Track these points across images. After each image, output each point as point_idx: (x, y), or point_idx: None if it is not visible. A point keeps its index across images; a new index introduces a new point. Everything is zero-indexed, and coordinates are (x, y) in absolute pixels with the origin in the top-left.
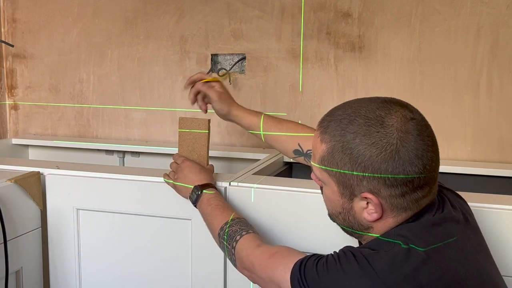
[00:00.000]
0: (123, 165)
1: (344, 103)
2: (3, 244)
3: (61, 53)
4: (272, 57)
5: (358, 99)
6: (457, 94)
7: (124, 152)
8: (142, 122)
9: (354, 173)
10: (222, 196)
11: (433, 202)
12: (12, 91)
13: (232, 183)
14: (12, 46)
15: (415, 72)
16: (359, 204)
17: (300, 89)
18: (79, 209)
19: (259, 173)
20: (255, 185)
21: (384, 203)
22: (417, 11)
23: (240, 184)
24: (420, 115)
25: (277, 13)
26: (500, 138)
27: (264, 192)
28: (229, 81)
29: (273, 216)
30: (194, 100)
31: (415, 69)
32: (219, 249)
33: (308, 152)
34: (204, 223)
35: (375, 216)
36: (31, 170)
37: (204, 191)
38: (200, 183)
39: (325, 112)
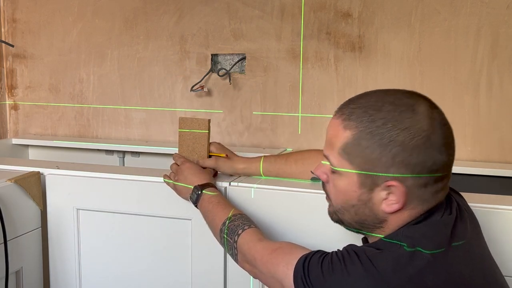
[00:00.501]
0: (123, 165)
1: (361, 94)
2: (3, 244)
3: (61, 53)
4: (272, 57)
5: (374, 90)
6: (457, 94)
7: (124, 152)
8: (142, 122)
9: (383, 160)
10: (223, 195)
11: (441, 202)
12: (12, 91)
13: (232, 183)
14: (12, 46)
15: (415, 72)
16: (379, 194)
17: (300, 89)
18: (79, 209)
19: None
20: (255, 185)
21: (407, 192)
22: (417, 11)
23: (240, 184)
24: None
25: (277, 13)
26: (500, 138)
27: (264, 192)
28: (229, 81)
29: (273, 216)
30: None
31: (415, 69)
32: (219, 249)
33: None
34: (205, 223)
35: (395, 207)
36: (31, 170)
37: (203, 191)
38: (200, 183)
39: (325, 112)
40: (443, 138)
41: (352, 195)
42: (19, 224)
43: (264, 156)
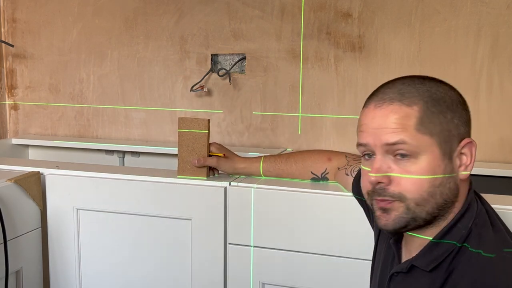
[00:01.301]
0: (123, 165)
1: (390, 81)
2: (3, 244)
3: (61, 53)
4: (272, 57)
5: (394, 79)
6: None
7: (124, 152)
8: (142, 122)
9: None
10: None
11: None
12: (12, 91)
13: (232, 183)
14: (12, 46)
15: (415, 72)
16: (456, 162)
17: (300, 89)
18: (79, 209)
19: None
20: (255, 185)
21: None
22: (417, 11)
23: (240, 184)
24: None
25: (277, 13)
26: (500, 138)
27: (264, 192)
28: (229, 81)
29: (273, 216)
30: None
31: (415, 69)
32: (219, 248)
33: (323, 174)
34: (204, 223)
35: (470, 167)
36: (31, 170)
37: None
38: None
39: (325, 112)
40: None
41: (437, 171)
42: (19, 224)
43: (264, 156)
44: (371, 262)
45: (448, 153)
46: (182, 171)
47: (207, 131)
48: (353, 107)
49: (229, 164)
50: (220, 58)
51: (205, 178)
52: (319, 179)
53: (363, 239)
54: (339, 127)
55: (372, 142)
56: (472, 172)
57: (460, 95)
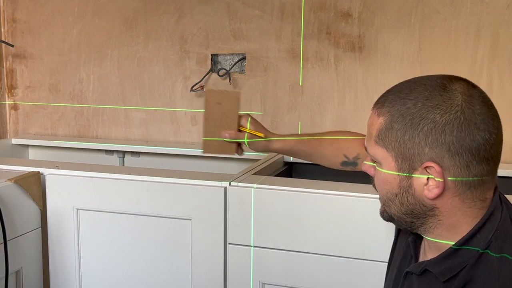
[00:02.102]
0: (123, 165)
1: (400, 82)
2: (3, 244)
3: (61, 53)
4: (272, 57)
5: (412, 78)
6: None
7: (124, 152)
8: (142, 122)
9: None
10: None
11: (495, 195)
12: (12, 91)
13: (232, 183)
14: (12, 46)
15: (415, 72)
16: (419, 180)
17: (300, 89)
18: (79, 209)
19: (259, 173)
20: (255, 185)
21: (447, 175)
22: (417, 11)
23: (240, 184)
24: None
25: (277, 13)
26: None
27: (264, 192)
28: (229, 81)
29: (273, 216)
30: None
31: (415, 69)
32: (219, 249)
33: (355, 159)
34: (204, 223)
35: (436, 191)
36: (31, 170)
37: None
38: None
39: (325, 112)
40: (481, 115)
41: (392, 183)
42: (19, 224)
43: (298, 135)
44: (386, 260)
45: (407, 170)
46: (208, 148)
47: (237, 105)
48: (353, 107)
49: (263, 144)
50: (220, 58)
51: (234, 153)
52: (350, 163)
53: (364, 239)
54: (339, 127)
55: None
56: None
57: (462, 120)
